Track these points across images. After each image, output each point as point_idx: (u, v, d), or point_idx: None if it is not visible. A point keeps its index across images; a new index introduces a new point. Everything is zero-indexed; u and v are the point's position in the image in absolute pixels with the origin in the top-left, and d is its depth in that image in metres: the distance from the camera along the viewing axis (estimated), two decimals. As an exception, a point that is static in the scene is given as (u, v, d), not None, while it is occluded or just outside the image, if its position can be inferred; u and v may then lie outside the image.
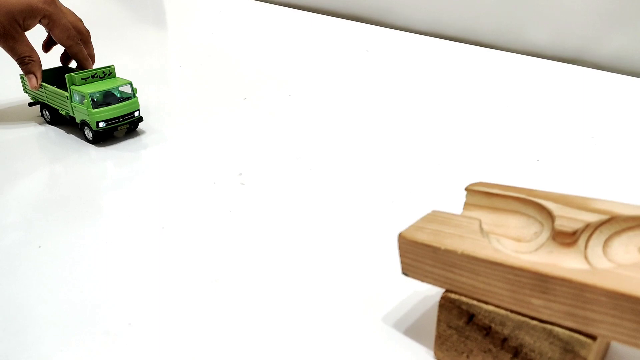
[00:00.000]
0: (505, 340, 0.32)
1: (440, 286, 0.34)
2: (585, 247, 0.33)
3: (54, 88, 0.67)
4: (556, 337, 0.30)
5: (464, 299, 0.33)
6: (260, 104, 0.77)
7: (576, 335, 0.29)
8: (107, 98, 0.65)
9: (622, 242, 0.33)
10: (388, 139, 0.67)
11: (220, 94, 0.79)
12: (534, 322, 0.30)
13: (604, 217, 0.34)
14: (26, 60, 0.65)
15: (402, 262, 0.36)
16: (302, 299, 0.41)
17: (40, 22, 0.65)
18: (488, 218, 0.38)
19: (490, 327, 0.32)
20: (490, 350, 0.33)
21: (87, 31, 0.72)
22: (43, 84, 0.68)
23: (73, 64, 0.74)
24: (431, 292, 0.40)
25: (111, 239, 0.48)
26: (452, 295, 0.33)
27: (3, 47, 0.64)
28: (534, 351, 0.31)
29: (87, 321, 0.39)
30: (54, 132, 0.70)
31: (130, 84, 0.66)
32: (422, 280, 0.35)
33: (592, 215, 0.34)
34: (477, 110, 0.75)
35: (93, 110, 0.63)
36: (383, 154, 0.63)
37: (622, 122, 0.71)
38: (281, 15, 1.23)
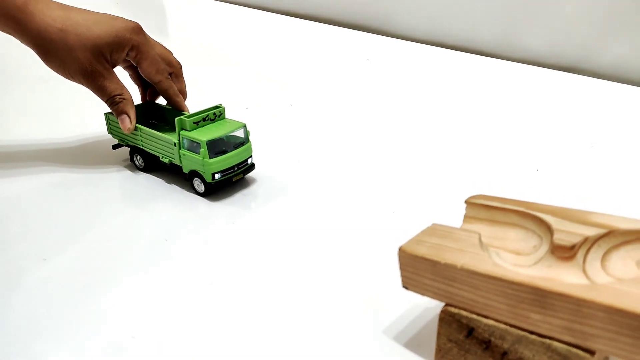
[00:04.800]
0: (504, 354, 0.32)
1: (440, 300, 0.35)
2: (584, 261, 0.34)
3: (154, 132, 0.58)
4: (555, 351, 0.30)
5: (463, 312, 0.33)
6: (261, 113, 0.77)
7: (574, 350, 0.29)
8: (222, 145, 0.56)
9: (620, 256, 0.33)
10: (389, 148, 0.67)
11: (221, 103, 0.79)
12: (533, 337, 0.31)
13: (602, 230, 0.34)
14: (117, 100, 0.57)
15: (403, 276, 0.36)
16: (303, 310, 0.41)
17: (127, 54, 0.57)
18: (487, 231, 0.38)
19: (489, 341, 0.32)
20: (490, 363, 0.33)
21: (179, 63, 0.63)
22: (138, 126, 0.59)
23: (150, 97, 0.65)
24: (431, 305, 0.40)
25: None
26: (452, 309, 0.34)
27: (90, 87, 0.57)
28: (533, 365, 0.31)
29: (92, 333, 0.39)
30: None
31: (244, 126, 0.57)
32: (423, 294, 0.35)
33: (591, 229, 0.34)
34: (477, 119, 0.76)
35: (210, 161, 0.54)
36: (383, 164, 0.64)
37: (621, 130, 0.72)
38: (282, 24, 1.24)
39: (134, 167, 0.62)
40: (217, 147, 0.55)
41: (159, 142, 0.58)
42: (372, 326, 0.39)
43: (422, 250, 0.35)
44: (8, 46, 0.61)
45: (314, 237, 0.50)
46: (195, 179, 0.56)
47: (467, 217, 0.40)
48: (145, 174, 0.61)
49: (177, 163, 0.57)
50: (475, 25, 1.03)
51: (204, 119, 0.56)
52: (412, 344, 0.38)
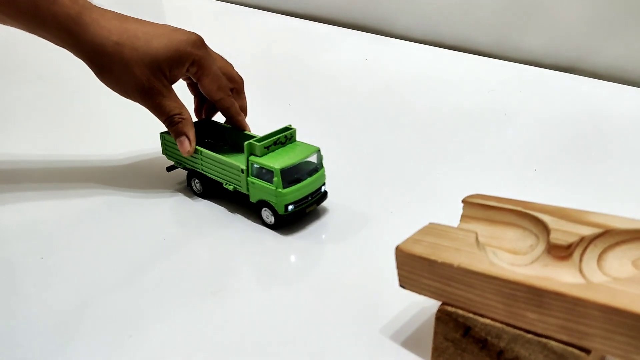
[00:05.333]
0: (501, 353, 0.32)
1: (437, 299, 0.35)
2: (580, 260, 0.34)
3: (218, 156, 0.52)
4: (551, 350, 0.30)
5: (460, 311, 0.33)
6: (259, 113, 0.77)
7: (570, 349, 0.29)
8: (296, 172, 0.50)
9: (617, 256, 0.33)
10: (386, 147, 0.67)
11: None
12: (529, 336, 0.31)
13: (598, 230, 0.34)
14: (176, 119, 0.52)
15: (400, 275, 0.36)
16: (300, 309, 0.41)
17: (187, 70, 0.52)
18: (484, 230, 0.38)
19: (486, 340, 0.33)
20: (486, 362, 0.33)
21: (241, 78, 0.58)
22: (199, 148, 0.53)
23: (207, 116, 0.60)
24: (428, 305, 0.40)
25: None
26: (449, 308, 0.34)
27: (146, 106, 0.52)
28: (529, 364, 0.31)
29: (89, 332, 0.39)
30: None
31: (318, 150, 0.52)
32: (419, 293, 0.36)
33: (587, 229, 0.34)
34: (475, 119, 0.76)
35: (284, 191, 0.48)
36: (381, 163, 0.64)
37: (619, 131, 0.72)
38: (280, 23, 1.24)
39: (191, 192, 0.57)
40: (291, 175, 0.49)
41: (223, 167, 0.52)
42: (369, 325, 0.39)
43: (419, 250, 0.35)
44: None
45: (311, 235, 0.50)
46: (265, 209, 0.50)
47: (464, 217, 0.40)
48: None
49: (244, 191, 0.51)
50: (474, 26, 1.04)
51: (274, 143, 0.50)
52: (409, 343, 0.38)
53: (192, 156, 0.54)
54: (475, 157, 0.65)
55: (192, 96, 0.60)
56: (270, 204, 0.49)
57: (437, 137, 0.71)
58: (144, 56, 0.49)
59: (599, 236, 0.34)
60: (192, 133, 0.53)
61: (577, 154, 0.66)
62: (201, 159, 0.54)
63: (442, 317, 0.34)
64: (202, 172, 0.54)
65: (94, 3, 0.52)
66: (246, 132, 0.56)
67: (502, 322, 0.32)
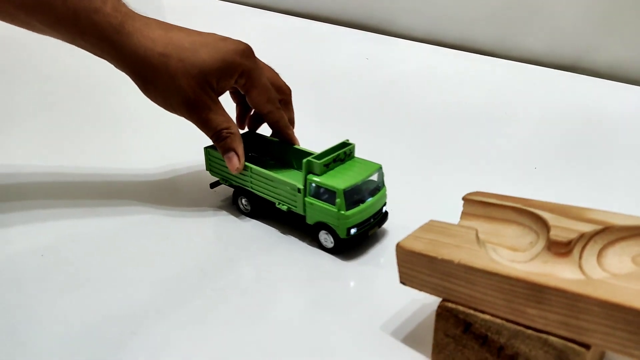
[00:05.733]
0: (501, 349, 0.32)
1: (438, 295, 0.35)
2: (580, 256, 0.34)
3: (271, 174, 0.48)
4: (551, 346, 0.30)
5: (460, 308, 0.34)
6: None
7: (570, 345, 0.30)
8: (358, 192, 0.46)
9: (616, 252, 0.33)
10: (387, 145, 0.68)
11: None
12: (529, 331, 0.31)
13: (598, 227, 0.34)
14: (224, 134, 0.49)
15: (400, 272, 0.36)
16: (301, 306, 0.42)
17: (236, 81, 0.49)
18: (485, 227, 0.39)
19: (486, 336, 0.33)
20: (486, 358, 0.33)
21: (288, 89, 0.55)
22: (249, 165, 0.50)
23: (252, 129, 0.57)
24: (429, 301, 0.40)
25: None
26: (449, 305, 0.34)
27: (192, 120, 0.49)
28: (529, 360, 0.31)
29: (92, 330, 0.39)
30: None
31: (380, 168, 0.48)
32: (420, 290, 0.36)
33: (587, 225, 0.35)
34: (475, 117, 0.76)
35: (347, 213, 0.44)
36: (382, 161, 0.64)
37: (620, 129, 0.72)
38: (281, 22, 1.24)
39: (237, 211, 0.53)
40: (354, 195, 0.45)
41: (277, 186, 0.48)
42: (370, 322, 0.39)
43: (420, 246, 0.35)
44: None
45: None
46: (323, 232, 0.46)
47: (464, 214, 0.40)
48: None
49: (299, 212, 0.47)
50: (474, 24, 1.04)
51: (334, 160, 0.47)
52: (410, 340, 0.38)
53: (240, 173, 0.51)
54: (476, 155, 0.65)
55: (234, 104, 0.56)
56: (330, 227, 0.45)
57: (438, 135, 0.71)
58: (190, 68, 0.46)
59: (599, 233, 0.34)
60: (241, 149, 0.49)
61: (577, 152, 0.66)
62: (251, 176, 0.50)
63: (443, 314, 0.34)
64: (252, 190, 0.51)
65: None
66: (295, 146, 0.53)
67: (502, 318, 0.32)
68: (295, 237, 0.49)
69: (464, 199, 0.40)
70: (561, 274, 0.33)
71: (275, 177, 0.48)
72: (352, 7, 1.20)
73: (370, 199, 0.46)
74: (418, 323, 0.39)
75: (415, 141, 0.69)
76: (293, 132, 0.54)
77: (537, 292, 0.30)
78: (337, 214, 0.44)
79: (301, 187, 0.46)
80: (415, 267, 0.35)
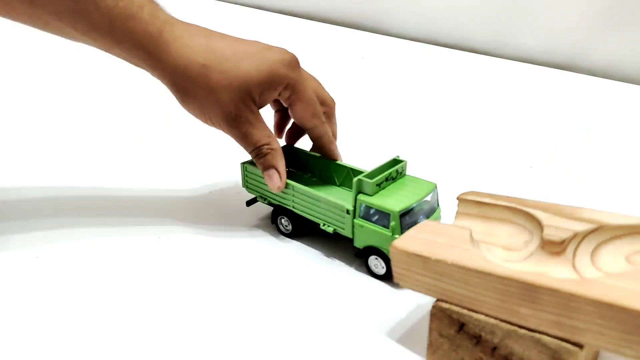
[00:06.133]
0: (495, 348, 0.32)
1: (432, 295, 0.35)
2: (574, 255, 0.34)
3: (316, 193, 0.45)
4: (544, 345, 0.30)
5: (454, 308, 0.34)
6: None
7: (564, 344, 0.30)
8: (413, 214, 0.43)
9: (610, 251, 0.34)
10: (382, 145, 0.68)
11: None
12: (523, 331, 0.31)
13: (592, 226, 0.34)
14: (264, 151, 0.46)
15: (395, 272, 0.36)
16: (296, 307, 0.42)
17: (280, 94, 0.46)
18: (479, 227, 0.39)
19: (480, 336, 0.33)
20: (481, 358, 0.33)
21: (333, 101, 0.51)
22: (290, 182, 0.47)
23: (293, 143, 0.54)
24: (424, 301, 0.40)
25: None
26: (443, 305, 0.34)
27: (231, 135, 0.46)
28: (523, 359, 0.31)
29: (83, 332, 0.39)
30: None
31: (435, 187, 0.45)
32: (414, 290, 0.36)
33: (581, 224, 0.35)
34: (471, 116, 0.76)
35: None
36: (377, 160, 0.64)
37: (615, 127, 0.72)
38: (277, 22, 1.24)
39: (276, 231, 0.50)
40: (409, 217, 0.42)
41: (322, 206, 0.45)
42: (366, 322, 0.39)
43: (414, 246, 0.35)
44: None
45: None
46: (373, 257, 0.43)
47: (459, 214, 0.40)
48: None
49: (347, 235, 0.44)
50: (470, 24, 1.04)
51: (387, 179, 0.44)
52: (405, 340, 0.38)
53: (284, 192, 0.48)
54: (471, 154, 0.65)
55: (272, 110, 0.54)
56: (383, 252, 0.42)
57: (433, 134, 0.71)
58: (232, 80, 0.43)
59: (593, 232, 0.34)
60: (282, 166, 0.47)
61: (573, 151, 0.66)
62: (293, 195, 0.47)
63: (437, 314, 0.34)
64: (293, 209, 0.48)
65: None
66: (338, 162, 0.50)
67: (496, 318, 0.32)
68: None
69: (458, 198, 0.40)
70: (555, 273, 0.33)
71: (321, 196, 0.45)
72: (347, 6, 1.20)
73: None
74: (413, 323, 0.39)
75: (409, 139, 0.69)
76: (337, 148, 0.51)
77: (530, 291, 0.30)
78: (391, 238, 0.41)
79: (350, 208, 0.43)
80: (409, 267, 0.35)
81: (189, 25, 0.46)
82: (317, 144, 0.50)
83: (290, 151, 0.53)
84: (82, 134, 0.72)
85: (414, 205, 0.42)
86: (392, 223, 0.41)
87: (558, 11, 0.94)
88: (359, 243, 0.44)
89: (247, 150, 0.47)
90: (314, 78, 0.51)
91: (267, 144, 0.46)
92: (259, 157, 0.46)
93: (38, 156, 0.65)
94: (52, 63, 0.97)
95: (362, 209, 0.43)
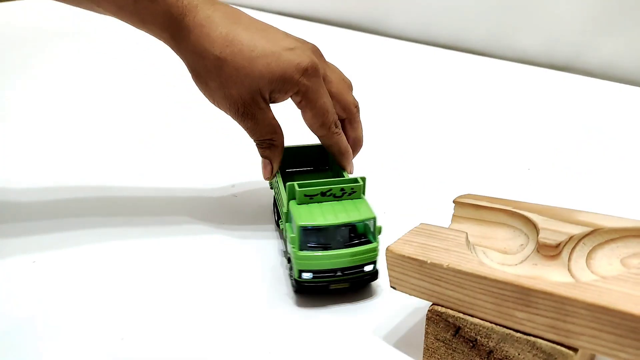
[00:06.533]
0: (490, 352, 0.32)
1: (427, 299, 0.35)
2: (569, 259, 0.34)
3: (281, 187, 0.46)
4: (539, 349, 0.30)
5: (450, 312, 0.34)
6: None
7: (558, 348, 0.30)
8: (329, 236, 0.41)
9: (605, 254, 0.34)
10: (380, 147, 0.68)
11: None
12: (518, 335, 0.31)
13: (587, 229, 0.34)
14: (265, 144, 0.48)
15: (390, 276, 0.36)
16: (292, 310, 0.42)
17: (291, 97, 0.46)
18: (475, 230, 0.39)
19: (476, 340, 0.33)
20: (476, 362, 0.33)
21: (356, 106, 0.50)
22: (279, 181, 0.47)
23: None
24: (420, 305, 0.40)
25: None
26: (439, 309, 0.34)
27: (238, 123, 0.47)
28: (518, 363, 0.31)
29: (82, 335, 0.39)
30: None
31: (373, 219, 0.41)
32: (410, 294, 0.36)
33: (576, 228, 0.35)
34: (469, 118, 0.76)
35: (300, 253, 0.40)
36: (375, 163, 0.64)
37: (614, 129, 0.72)
38: (277, 23, 1.24)
39: (274, 231, 0.51)
40: (318, 237, 0.40)
41: (279, 201, 0.46)
42: (361, 326, 0.39)
43: (409, 250, 0.35)
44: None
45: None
46: (289, 266, 0.43)
47: (455, 217, 0.40)
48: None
49: (284, 237, 0.45)
50: (468, 25, 1.04)
51: (323, 194, 0.42)
52: (401, 344, 0.38)
53: (273, 182, 0.49)
54: (468, 156, 0.65)
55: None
56: (291, 264, 0.41)
57: (430, 136, 0.71)
58: (244, 78, 0.44)
59: (588, 235, 0.34)
60: (277, 160, 0.48)
61: (570, 153, 0.66)
62: (277, 187, 0.48)
63: (433, 318, 0.34)
64: (276, 200, 0.49)
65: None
66: (345, 173, 0.49)
67: (491, 322, 0.32)
68: None
69: (454, 201, 0.41)
70: (550, 276, 0.33)
71: (281, 188, 0.45)
72: (347, 8, 1.20)
73: (343, 250, 0.40)
74: (409, 327, 0.39)
75: (406, 142, 0.69)
76: (348, 158, 0.50)
77: (525, 295, 0.30)
78: (292, 251, 0.40)
79: (286, 210, 0.43)
80: (405, 272, 0.35)
81: (216, 9, 0.45)
82: (329, 151, 0.50)
83: (314, 152, 0.52)
84: (82, 134, 0.72)
85: (327, 226, 0.40)
86: (293, 236, 0.40)
87: (557, 12, 0.94)
88: (286, 249, 0.44)
89: (252, 138, 0.48)
90: (341, 80, 0.50)
91: (269, 139, 0.47)
92: (259, 147, 0.48)
93: (36, 156, 0.65)
94: (52, 63, 0.97)
95: (290, 215, 0.42)
